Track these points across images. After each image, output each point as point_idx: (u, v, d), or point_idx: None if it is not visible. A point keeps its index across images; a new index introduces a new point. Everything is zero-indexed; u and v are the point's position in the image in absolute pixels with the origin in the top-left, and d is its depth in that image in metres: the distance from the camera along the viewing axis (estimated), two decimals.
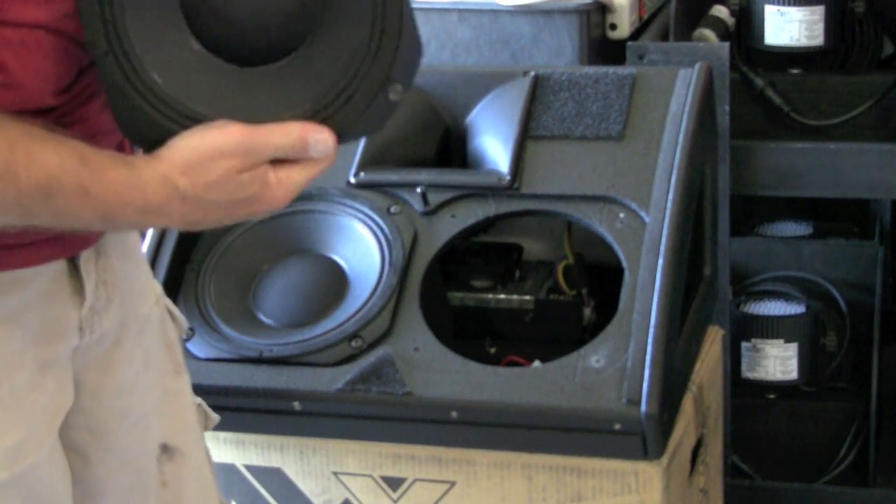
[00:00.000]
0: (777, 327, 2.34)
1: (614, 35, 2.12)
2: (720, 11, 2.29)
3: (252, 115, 1.13)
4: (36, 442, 1.19)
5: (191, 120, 1.12)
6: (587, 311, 1.83)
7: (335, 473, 1.73)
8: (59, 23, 1.10)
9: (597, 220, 1.76)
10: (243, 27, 1.13)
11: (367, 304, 1.72)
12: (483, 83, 1.91)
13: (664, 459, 1.64)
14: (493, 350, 1.85)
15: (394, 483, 1.71)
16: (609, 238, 1.74)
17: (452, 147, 1.92)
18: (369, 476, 1.72)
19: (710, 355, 1.94)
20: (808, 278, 2.46)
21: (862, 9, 2.36)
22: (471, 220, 1.80)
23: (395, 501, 1.72)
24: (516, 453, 1.67)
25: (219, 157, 1.09)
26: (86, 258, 1.22)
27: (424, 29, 1.89)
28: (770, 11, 2.27)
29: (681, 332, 1.75)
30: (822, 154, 2.11)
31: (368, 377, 1.66)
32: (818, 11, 2.25)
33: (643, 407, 1.59)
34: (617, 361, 1.63)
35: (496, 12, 2.05)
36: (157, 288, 1.38)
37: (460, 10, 2.08)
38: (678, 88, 1.84)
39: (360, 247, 1.78)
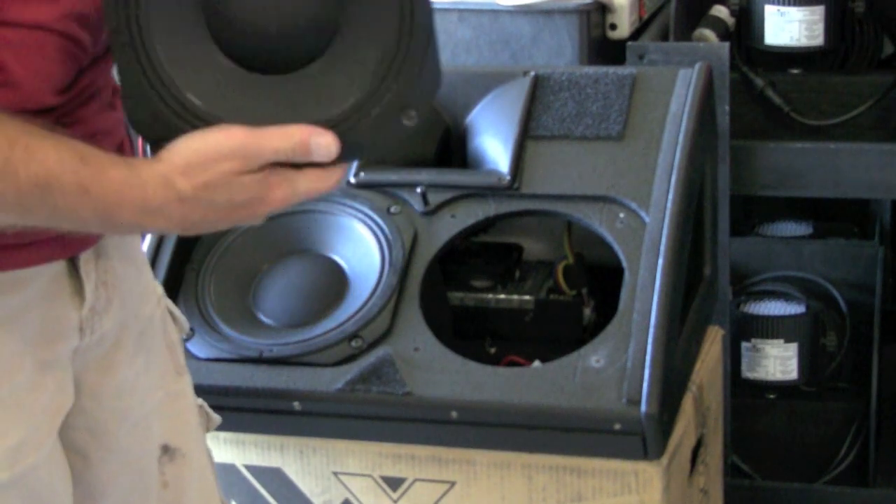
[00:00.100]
0: (777, 327, 2.34)
1: (614, 35, 2.12)
2: (720, 11, 2.29)
3: (266, 122, 1.12)
4: (36, 442, 1.19)
5: (202, 121, 1.12)
6: (587, 311, 1.83)
7: (335, 473, 1.73)
8: (59, 23, 1.10)
9: (597, 220, 1.76)
10: (262, 34, 1.13)
11: (367, 304, 1.72)
12: (483, 83, 1.91)
13: (664, 459, 1.64)
14: (493, 350, 1.85)
15: (394, 483, 1.71)
16: (609, 238, 1.74)
17: (452, 147, 1.92)
18: (369, 476, 1.72)
19: (710, 355, 1.94)
20: (808, 278, 2.46)
21: (862, 9, 2.36)
22: (471, 220, 1.80)
23: (395, 501, 1.72)
24: (516, 453, 1.67)
25: (219, 159, 1.09)
26: (86, 259, 1.22)
27: None
28: (770, 11, 2.27)
29: (681, 332, 1.75)
30: (822, 154, 2.11)
31: (368, 377, 1.66)
32: (818, 11, 2.25)
33: (643, 407, 1.59)
34: (617, 361, 1.63)
35: (496, 12, 2.05)
36: (159, 289, 1.38)
37: (460, 10, 2.08)
38: (678, 88, 1.84)
39: (360, 247, 1.78)
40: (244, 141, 1.10)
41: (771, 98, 2.34)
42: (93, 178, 1.06)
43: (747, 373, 2.36)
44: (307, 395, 1.68)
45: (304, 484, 1.75)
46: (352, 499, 1.74)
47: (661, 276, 1.67)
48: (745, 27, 2.31)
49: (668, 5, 2.26)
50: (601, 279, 1.84)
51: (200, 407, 1.44)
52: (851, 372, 2.45)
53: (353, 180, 1.83)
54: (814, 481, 2.39)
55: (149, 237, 1.81)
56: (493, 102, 1.89)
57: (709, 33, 2.24)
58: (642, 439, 1.61)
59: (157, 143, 1.13)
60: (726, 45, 2.06)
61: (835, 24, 2.27)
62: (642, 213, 1.74)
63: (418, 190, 1.80)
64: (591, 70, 1.89)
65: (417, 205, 1.80)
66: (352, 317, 1.71)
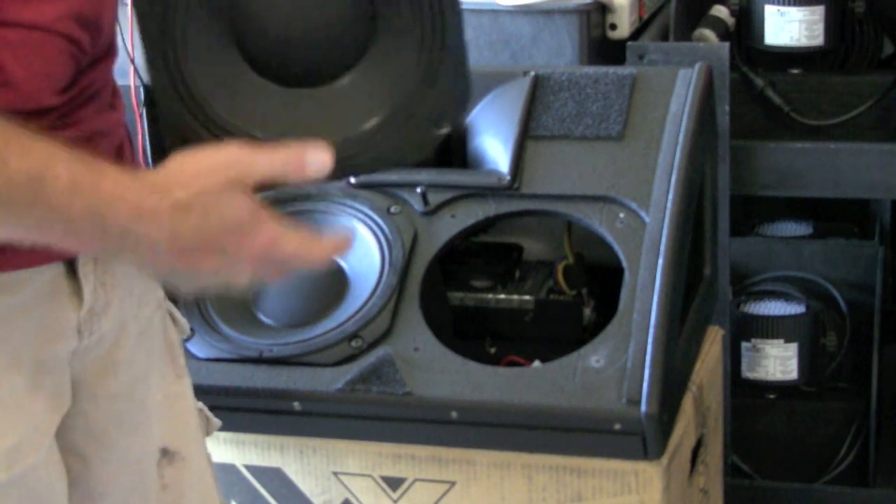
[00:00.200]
0: (777, 327, 2.34)
1: (614, 35, 2.12)
2: (720, 11, 2.29)
3: (296, 134, 1.13)
4: (34, 444, 1.19)
5: (230, 135, 1.14)
6: (587, 311, 1.83)
7: (335, 473, 1.73)
8: (58, 23, 1.10)
9: (597, 220, 1.76)
10: (292, 48, 1.14)
11: (367, 304, 1.72)
12: (483, 83, 1.91)
13: (664, 459, 1.64)
14: (493, 350, 1.85)
15: (394, 483, 1.71)
16: (609, 238, 1.74)
17: (452, 147, 1.92)
18: (369, 476, 1.72)
19: (710, 355, 1.94)
20: (808, 278, 2.46)
21: (862, 9, 2.36)
22: (471, 220, 1.80)
23: (395, 501, 1.72)
24: (516, 453, 1.67)
25: (215, 169, 1.09)
26: (84, 260, 1.22)
27: None
28: (770, 11, 2.27)
29: (681, 332, 1.75)
30: (822, 154, 2.11)
31: (368, 377, 1.66)
32: (818, 11, 2.25)
33: (643, 407, 1.59)
34: (617, 361, 1.63)
35: (496, 12, 2.05)
36: (159, 291, 1.38)
37: None
38: (678, 88, 1.84)
39: (360, 247, 1.78)
40: (239, 153, 1.10)
41: (771, 98, 2.34)
42: (87, 175, 1.05)
43: (747, 373, 2.36)
44: (307, 395, 1.68)
45: (304, 484, 1.75)
46: (352, 499, 1.74)
47: (661, 276, 1.67)
48: (745, 27, 2.31)
49: (668, 5, 2.26)
50: (601, 279, 1.84)
51: (200, 410, 1.44)
52: (851, 372, 2.45)
53: (353, 180, 1.83)
54: (814, 481, 2.39)
55: None
56: (493, 102, 1.89)
57: (709, 33, 2.24)
58: (642, 439, 1.61)
59: (178, 147, 1.14)
60: (726, 45, 2.05)
61: (835, 24, 2.27)
62: (642, 213, 1.74)
63: (418, 190, 1.80)
64: (591, 70, 1.89)
65: (417, 205, 1.80)
66: (352, 317, 1.71)
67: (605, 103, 1.85)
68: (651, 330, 1.63)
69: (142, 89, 2.33)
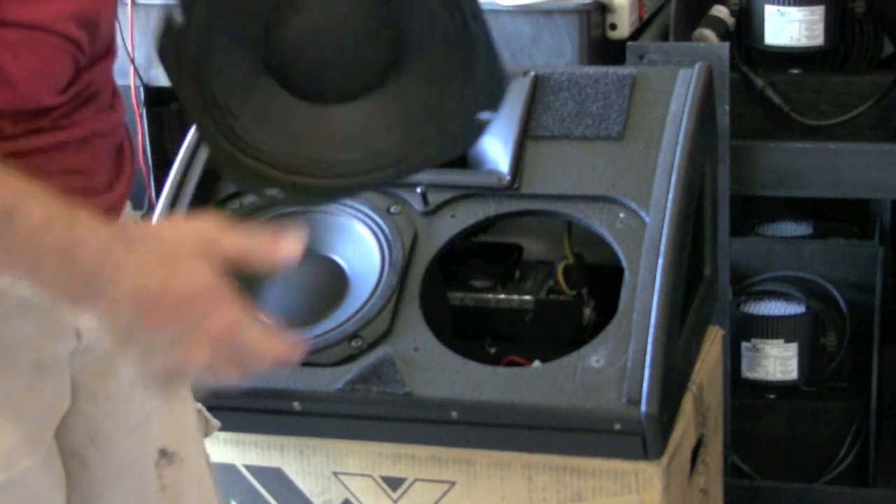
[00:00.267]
0: (777, 327, 2.34)
1: (614, 35, 2.12)
2: (720, 11, 2.29)
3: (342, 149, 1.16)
4: (33, 445, 1.19)
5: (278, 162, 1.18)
6: (587, 311, 1.83)
7: (335, 473, 1.73)
8: (57, 23, 1.10)
9: (597, 220, 1.76)
10: (325, 69, 1.17)
11: (367, 304, 1.72)
12: None
13: (664, 459, 1.64)
14: (493, 350, 1.85)
15: (394, 483, 1.71)
16: (609, 238, 1.74)
17: None
18: (369, 476, 1.72)
19: (710, 355, 1.94)
20: (808, 278, 2.46)
21: (862, 9, 2.36)
22: (471, 220, 1.80)
23: (395, 501, 1.72)
24: (516, 453, 1.67)
25: (190, 236, 1.09)
26: None
27: None
28: (770, 11, 2.27)
29: (681, 332, 1.75)
30: (822, 154, 2.11)
31: (368, 377, 1.66)
32: (818, 11, 2.25)
33: (643, 407, 1.59)
34: (617, 361, 1.63)
35: (496, 12, 2.05)
36: None
37: None
38: (678, 88, 1.84)
39: (360, 247, 1.78)
40: (215, 228, 1.10)
41: (771, 98, 2.34)
42: (60, 214, 1.03)
43: (747, 373, 2.35)
44: (307, 395, 1.68)
45: (304, 484, 1.75)
46: (352, 499, 1.74)
47: (661, 276, 1.67)
48: (745, 27, 2.31)
49: (668, 5, 2.26)
50: (601, 279, 1.84)
51: (199, 411, 1.44)
52: (851, 372, 2.45)
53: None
54: (814, 481, 2.39)
55: None
56: None
57: (709, 33, 2.24)
58: (642, 439, 1.61)
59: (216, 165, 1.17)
60: (726, 45, 2.05)
61: (835, 24, 2.27)
62: (642, 213, 1.74)
63: (418, 190, 1.80)
64: (591, 70, 1.89)
65: (417, 205, 1.80)
66: (352, 317, 1.71)
67: (605, 103, 1.85)
68: (651, 330, 1.63)
69: (142, 89, 2.33)
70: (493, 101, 1.21)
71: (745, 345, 2.34)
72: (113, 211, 1.24)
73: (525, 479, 1.67)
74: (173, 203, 1.84)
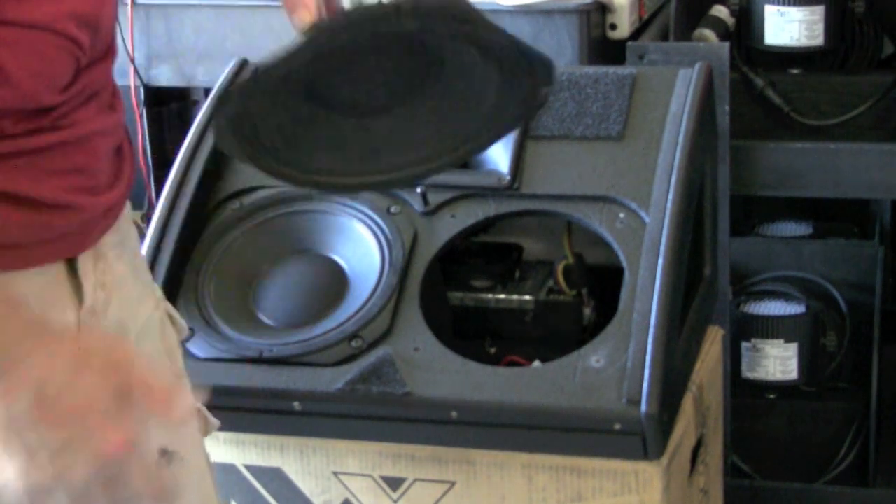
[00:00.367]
0: (777, 327, 2.34)
1: (614, 35, 2.12)
2: (720, 11, 2.29)
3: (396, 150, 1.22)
4: None
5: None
6: (587, 311, 1.83)
7: (335, 473, 1.73)
8: (57, 23, 1.10)
9: (597, 220, 1.76)
10: (369, 99, 1.23)
11: (367, 304, 1.72)
12: None
13: (664, 459, 1.64)
14: (493, 350, 1.85)
15: (394, 483, 1.71)
16: (609, 238, 1.74)
17: None
18: (369, 476, 1.72)
19: (710, 355, 1.94)
20: (808, 278, 2.46)
21: (862, 9, 2.36)
22: (471, 220, 1.80)
23: (395, 501, 1.72)
24: (516, 453, 1.67)
25: (103, 344, 1.10)
26: (84, 260, 1.22)
27: None
28: (770, 11, 2.27)
29: (681, 332, 1.75)
30: (822, 154, 2.11)
31: (368, 377, 1.66)
32: (818, 11, 2.25)
33: (643, 407, 1.59)
34: (617, 361, 1.63)
35: (496, 12, 2.05)
36: (157, 292, 1.38)
37: None
38: (678, 88, 1.84)
39: (360, 247, 1.78)
40: (129, 352, 1.11)
41: (771, 98, 2.34)
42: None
43: (747, 373, 2.36)
44: (307, 395, 1.68)
45: (304, 484, 1.75)
46: (352, 499, 1.74)
47: (661, 276, 1.67)
48: (745, 27, 2.31)
49: (668, 5, 2.26)
50: (601, 279, 1.84)
51: (199, 411, 1.44)
52: (851, 372, 2.45)
53: None
54: (814, 481, 2.39)
55: (149, 237, 1.81)
56: None
57: (709, 33, 2.24)
58: (642, 439, 1.61)
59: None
60: (726, 45, 2.05)
61: (835, 24, 2.27)
62: (642, 213, 1.74)
63: (418, 190, 1.80)
64: (591, 70, 1.89)
65: (417, 205, 1.80)
66: (352, 317, 1.71)
67: (605, 103, 1.85)
68: (651, 330, 1.63)
69: (142, 89, 2.33)
70: (547, 77, 1.23)
71: (745, 345, 2.34)
72: (113, 211, 1.25)
73: (525, 479, 1.67)
74: (173, 203, 1.84)
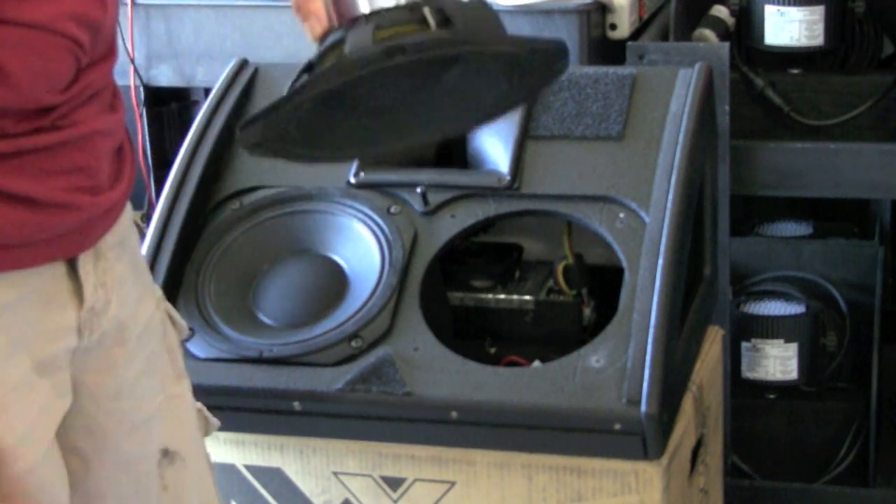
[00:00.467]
0: (777, 327, 2.34)
1: (614, 35, 2.12)
2: (720, 11, 2.29)
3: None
4: (32, 445, 1.19)
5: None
6: (587, 311, 1.83)
7: (335, 473, 1.73)
8: (57, 23, 1.10)
9: (597, 220, 1.76)
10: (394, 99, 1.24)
11: (367, 304, 1.72)
12: None
13: (664, 459, 1.64)
14: (493, 350, 1.85)
15: (394, 483, 1.71)
16: (609, 238, 1.74)
17: (452, 147, 1.92)
18: (369, 476, 1.72)
19: (710, 355, 1.94)
20: (808, 278, 2.46)
21: (862, 9, 2.36)
22: (471, 220, 1.80)
23: (395, 501, 1.72)
24: (516, 453, 1.67)
25: None
26: (84, 260, 1.22)
27: None
28: (770, 11, 2.27)
29: (681, 332, 1.75)
30: (822, 154, 2.11)
31: (368, 377, 1.66)
32: (818, 11, 2.25)
33: (643, 407, 1.59)
34: (617, 361, 1.63)
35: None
36: (158, 292, 1.38)
37: None
38: (678, 88, 1.84)
39: (360, 247, 1.78)
40: None
41: (771, 98, 2.34)
42: None
43: (747, 373, 2.35)
44: (307, 395, 1.68)
45: (304, 484, 1.75)
46: (352, 499, 1.74)
47: (661, 276, 1.67)
48: (745, 27, 2.31)
49: (668, 5, 2.26)
50: (601, 279, 1.84)
51: (199, 411, 1.44)
52: (851, 372, 2.45)
53: (353, 180, 1.83)
54: (814, 481, 2.39)
55: (149, 237, 1.81)
56: None
57: (709, 33, 2.24)
58: (642, 439, 1.61)
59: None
60: (726, 45, 2.05)
61: (835, 24, 2.27)
62: (642, 213, 1.74)
63: (418, 190, 1.80)
64: (591, 70, 1.89)
65: (417, 205, 1.80)
66: (352, 317, 1.71)
67: (605, 103, 1.85)
68: (651, 330, 1.63)
69: (142, 89, 2.34)
70: (560, 57, 1.24)
71: (745, 345, 2.34)
72: (113, 211, 1.25)
73: (525, 479, 1.67)
74: (173, 203, 1.84)
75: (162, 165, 2.34)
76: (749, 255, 2.50)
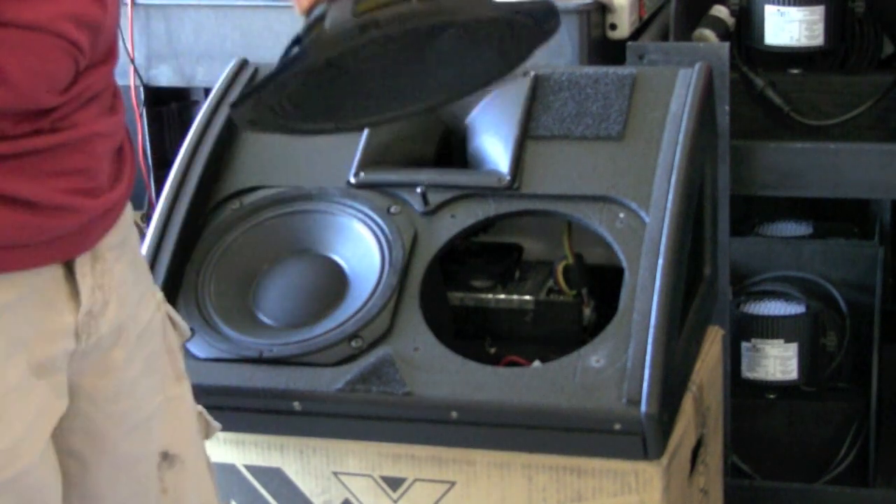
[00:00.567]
0: (777, 327, 2.34)
1: (614, 35, 2.12)
2: (720, 11, 2.29)
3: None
4: (28, 446, 1.19)
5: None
6: (587, 311, 1.83)
7: (335, 473, 1.73)
8: (55, 23, 1.10)
9: (597, 220, 1.76)
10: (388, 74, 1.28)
11: (367, 304, 1.72)
12: None
13: (664, 459, 1.64)
14: (493, 350, 1.85)
15: (394, 483, 1.71)
16: (609, 238, 1.74)
17: (452, 147, 1.92)
18: (369, 476, 1.72)
19: (710, 355, 1.94)
20: (808, 278, 2.46)
21: (862, 9, 2.36)
22: (471, 220, 1.80)
23: (395, 501, 1.72)
24: (516, 453, 1.67)
25: None
26: (82, 262, 1.21)
27: None
28: (770, 11, 2.27)
29: (681, 332, 1.75)
30: (822, 154, 2.11)
31: (368, 377, 1.66)
32: (818, 11, 2.25)
33: (643, 407, 1.59)
34: (617, 361, 1.63)
35: None
36: (158, 294, 1.38)
37: None
38: (678, 88, 1.84)
39: (360, 247, 1.78)
40: None
41: (771, 98, 2.34)
42: None
43: (747, 373, 2.36)
44: (307, 395, 1.68)
45: (304, 484, 1.75)
46: (352, 499, 1.74)
47: (661, 276, 1.67)
48: (745, 27, 2.31)
49: (668, 5, 2.26)
50: (601, 279, 1.84)
51: (200, 413, 1.44)
52: (851, 372, 2.45)
53: (353, 180, 1.83)
54: (814, 481, 2.39)
55: (149, 237, 1.81)
56: (493, 102, 1.89)
57: (709, 33, 2.24)
58: (642, 439, 1.60)
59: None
60: (726, 45, 2.05)
61: (835, 24, 2.27)
62: (642, 213, 1.74)
63: (418, 190, 1.80)
64: (591, 70, 1.89)
65: (417, 205, 1.80)
66: (352, 317, 1.71)
67: (605, 103, 1.85)
68: (651, 330, 1.63)
69: (142, 89, 2.34)
70: (551, 19, 1.27)
71: (745, 345, 2.34)
72: (113, 212, 1.25)
73: (525, 479, 1.67)
74: (173, 203, 1.84)
75: (162, 165, 2.34)
76: (749, 255, 2.50)
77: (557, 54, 2.06)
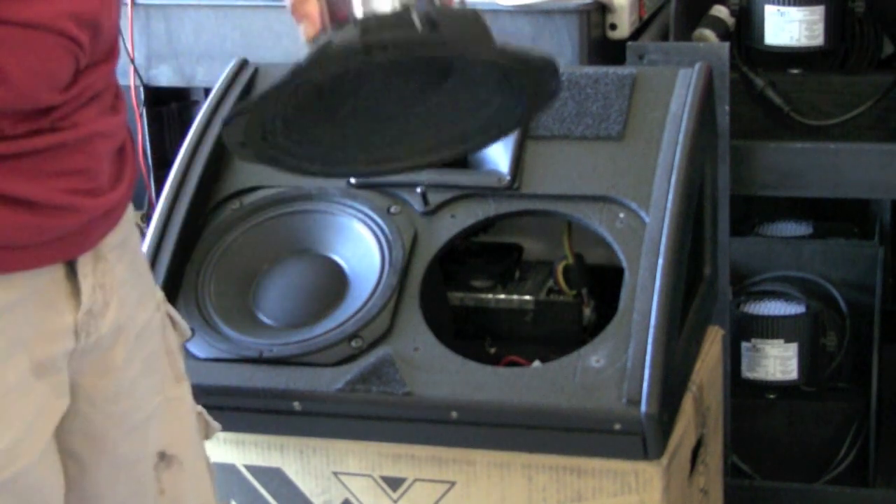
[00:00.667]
0: (777, 327, 2.34)
1: (614, 35, 2.12)
2: (720, 11, 2.29)
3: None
4: (29, 446, 1.19)
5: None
6: (587, 311, 1.83)
7: (335, 473, 1.73)
8: (55, 22, 1.10)
9: (597, 220, 1.76)
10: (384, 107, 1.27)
11: (367, 304, 1.72)
12: None
13: (664, 459, 1.64)
14: (493, 350, 1.85)
15: (394, 483, 1.71)
16: (609, 238, 1.74)
17: None
18: (369, 476, 1.72)
19: (710, 355, 1.94)
20: (808, 278, 2.46)
21: (862, 9, 2.36)
22: (471, 220, 1.80)
23: (395, 501, 1.72)
24: (516, 453, 1.67)
25: None
26: (83, 262, 1.21)
27: None
28: (770, 11, 2.27)
29: (681, 332, 1.75)
30: (822, 154, 2.11)
31: (368, 377, 1.66)
32: (818, 11, 2.25)
33: (643, 407, 1.59)
34: (617, 361, 1.63)
35: (496, 12, 2.05)
36: (159, 294, 1.38)
37: None
38: (678, 88, 1.84)
39: (360, 247, 1.78)
40: None
41: (771, 98, 2.34)
42: None
43: (747, 373, 2.35)
44: (307, 395, 1.68)
45: (304, 484, 1.75)
46: (352, 499, 1.74)
47: (661, 276, 1.67)
48: (745, 27, 2.31)
49: (668, 5, 2.26)
50: (601, 279, 1.84)
51: (199, 414, 1.44)
52: (851, 372, 2.45)
53: (353, 180, 1.83)
54: (814, 481, 2.39)
55: (149, 237, 1.81)
56: None
57: (709, 33, 2.24)
58: (642, 439, 1.61)
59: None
60: (726, 45, 2.05)
61: (835, 24, 2.27)
62: (642, 213, 1.74)
63: (418, 190, 1.80)
64: (591, 70, 1.89)
65: (417, 205, 1.80)
66: (352, 317, 1.71)
67: (605, 103, 1.85)
68: (651, 330, 1.63)
69: (142, 89, 2.33)
70: (551, 71, 1.27)
71: (745, 345, 2.34)
72: (114, 212, 1.25)
73: (525, 479, 1.67)
74: (173, 203, 1.84)
75: (162, 165, 2.34)
76: (749, 255, 2.50)
77: (557, 54, 2.06)
